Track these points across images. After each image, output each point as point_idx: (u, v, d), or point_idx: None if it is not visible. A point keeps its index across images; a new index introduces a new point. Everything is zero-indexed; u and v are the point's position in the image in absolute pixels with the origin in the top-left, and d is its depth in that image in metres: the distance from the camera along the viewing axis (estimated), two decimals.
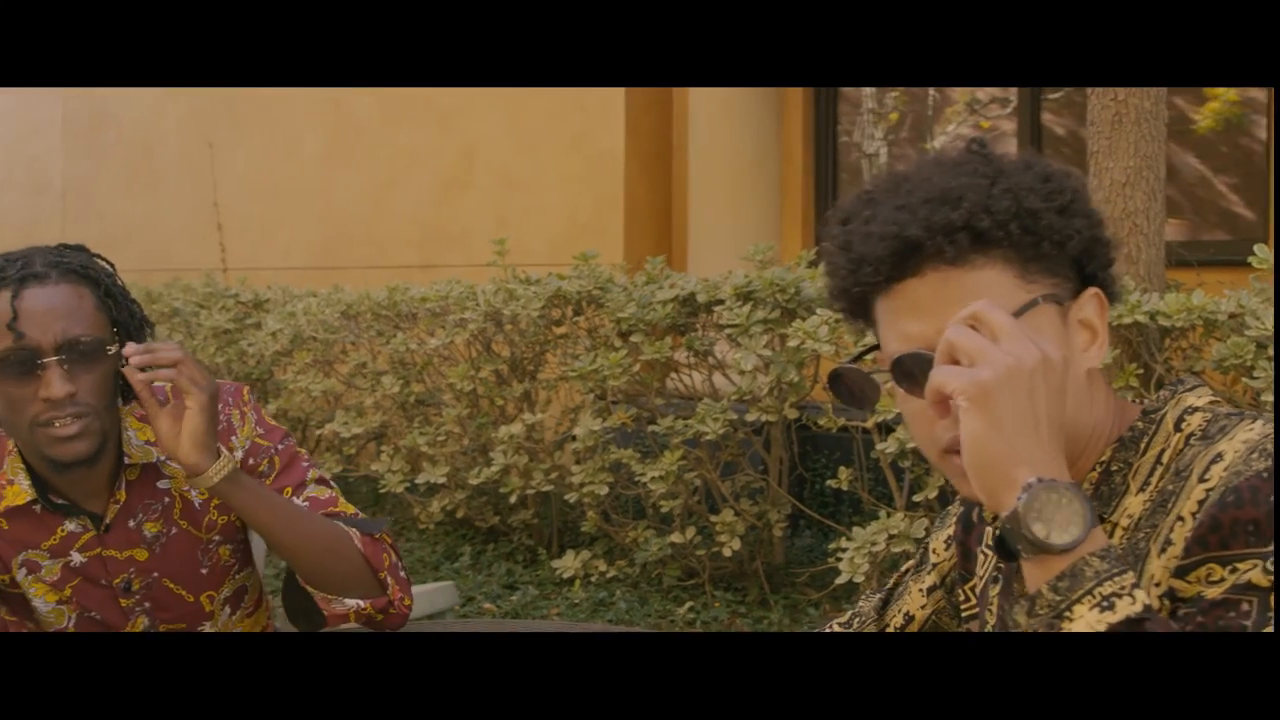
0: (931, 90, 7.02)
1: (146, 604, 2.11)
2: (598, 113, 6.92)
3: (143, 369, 1.82)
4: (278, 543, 1.97)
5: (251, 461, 2.08)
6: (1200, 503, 1.32)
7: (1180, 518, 1.33)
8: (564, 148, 7.04)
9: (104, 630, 2.13)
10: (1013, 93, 6.60)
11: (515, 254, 5.89)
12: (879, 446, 3.89)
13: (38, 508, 2.02)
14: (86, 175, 9.34)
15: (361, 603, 2.01)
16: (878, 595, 1.85)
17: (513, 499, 4.88)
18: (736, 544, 4.36)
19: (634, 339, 4.50)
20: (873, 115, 7.18)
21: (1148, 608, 1.18)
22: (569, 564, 4.68)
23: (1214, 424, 1.38)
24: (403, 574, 2.07)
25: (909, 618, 1.79)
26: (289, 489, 2.07)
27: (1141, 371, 3.59)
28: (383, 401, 5.37)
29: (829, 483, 4.29)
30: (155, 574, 2.09)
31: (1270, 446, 1.27)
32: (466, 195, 7.41)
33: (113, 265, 2.04)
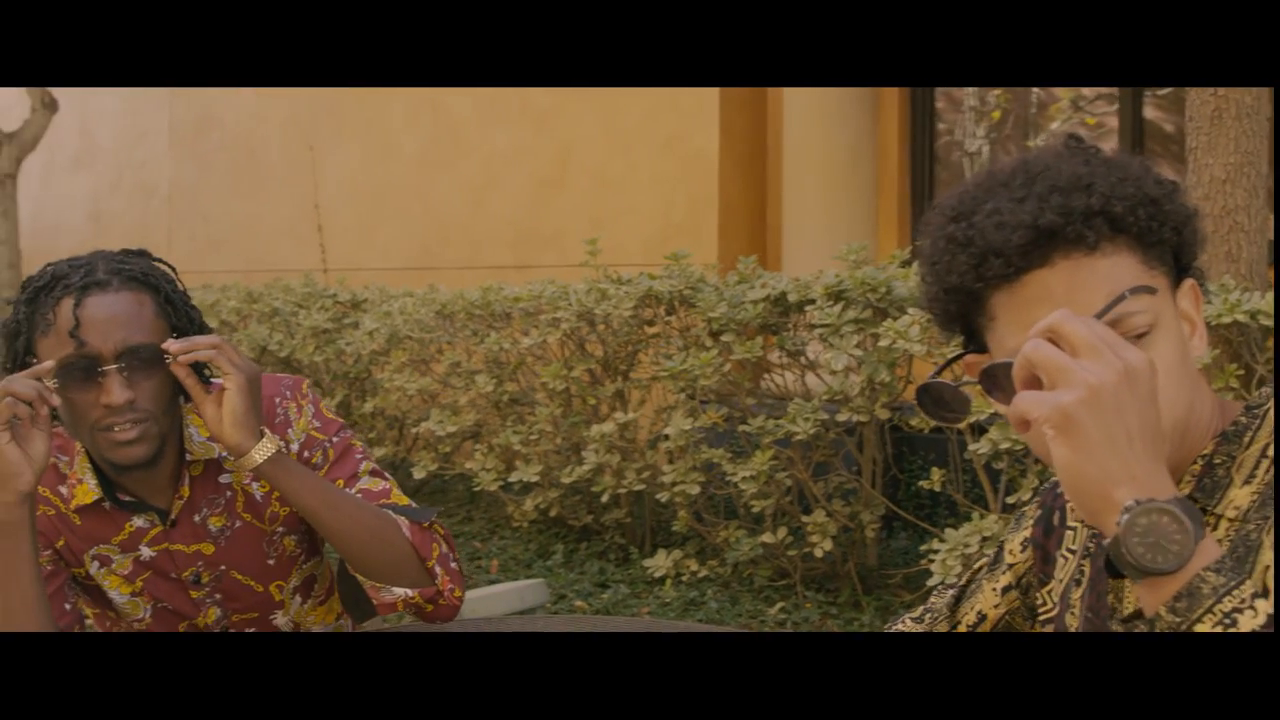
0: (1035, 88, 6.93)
1: (217, 595, 2.16)
2: (692, 113, 6.92)
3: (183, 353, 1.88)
4: (323, 527, 1.99)
5: (306, 454, 2.11)
6: None
7: None
8: (658, 148, 7.06)
9: (178, 619, 2.19)
10: (1116, 89, 6.50)
11: (609, 254, 5.90)
12: (971, 448, 3.85)
13: (106, 505, 2.08)
14: (192, 179, 9.54)
15: (410, 592, 2.03)
16: (950, 592, 1.83)
17: (604, 498, 4.90)
18: (828, 545, 4.34)
19: (725, 338, 4.50)
20: (974, 113, 7.11)
21: (1270, 617, 1.15)
22: (660, 563, 4.68)
23: None
24: (454, 565, 2.08)
25: (982, 616, 1.77)
26: (341, 480, 2.10)
27: (1242, 372, 3.52)
28: (477, 400, 5.42)
29: (921, 484, 4.25)
30: (222, 566, 2.14)
31: None
32: (561, 196, 7.45)
33: (174, 269, 2.09)
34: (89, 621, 2.35)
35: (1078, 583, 1.58)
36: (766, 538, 4.45)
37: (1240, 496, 1.35)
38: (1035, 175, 1.38)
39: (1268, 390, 1.43)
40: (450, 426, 5.32)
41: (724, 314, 4.47)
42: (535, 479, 5.06)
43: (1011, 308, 1.37)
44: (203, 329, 2.03)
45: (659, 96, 7.01)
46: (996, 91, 7.03)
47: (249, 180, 9.11)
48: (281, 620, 2.23)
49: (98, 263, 1.96)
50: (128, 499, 2.09)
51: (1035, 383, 1.22)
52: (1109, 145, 6.41)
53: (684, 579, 4.69)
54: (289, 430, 2.11)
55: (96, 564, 2.12)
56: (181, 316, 2.00)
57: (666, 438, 4.66)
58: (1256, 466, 1.36)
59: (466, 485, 5.81)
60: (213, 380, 1.99)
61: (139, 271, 1.97)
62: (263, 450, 1.92)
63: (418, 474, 5.50)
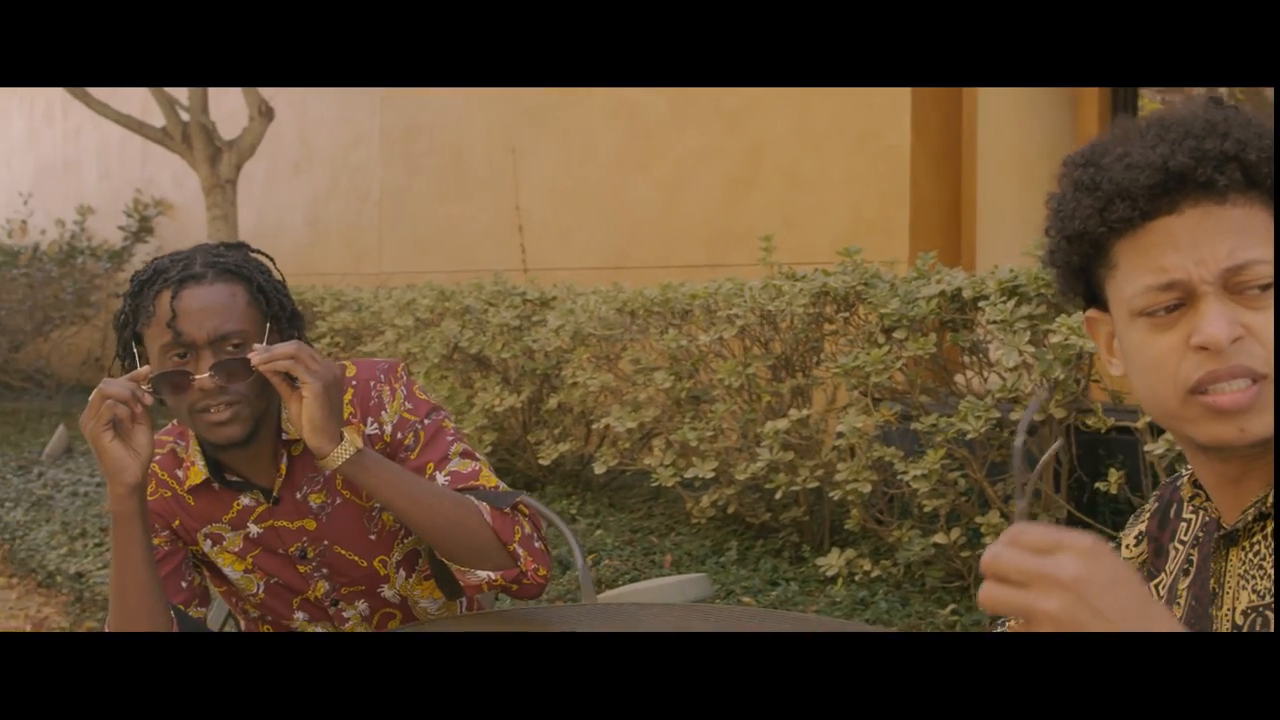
0: None
1: (324, 569, 2.25)
2: (884, 110, 6.84)
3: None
4: (404, 518, 2.08)
5: (399, 435, 2.20)
6: None
7: None
8: (849, 145, 6.99)
9: (290, 593, 2.28)
10: None
11: (800, 252, 5.89)
12: (1147, 448, 3.72)
13: (215, 485, 2.19)
14: (401, 183, 9.84)
15: (493, 575, 2.11)
16: None
17: (778, 495, 4.88)
18: None
19: (897, 335, 4.43)
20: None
21: None
22: (833, 562, 4.64)
23: None
24: (538, 544, 2.14)
25: None
26: (431, 464, 2.18)
27: None
28: (656, 396, 5.46)
29: (1098, 485, 4.12)
30: (326, 541, 2.23)
31: None
32: (753, 195, 7.45)
33: (271, 259, 2.22)
34: (216, 600, 2.48)
35: (1186, 572, 1.55)
36: (939, 538, 4.37)
37: None
38: (1170, 124, 1.36)
39: None
40: (630, 422, 5.38)
41: (896, 310, 4.41)
42: (711, 475, 5.07)
43: (1134, 254, 1.35)
44: (295, 316, 2.14)
45: (850, 94, 6.94)
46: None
47: (454, 183, 9.36)
48: (389, 594, 2.31)
49: (196, 257, 2.10)
50: (233, 479, 2.20)
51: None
52: None
53: (856, 579, 4.63)
54: (383, 412, 2.19)
55: (209, 542, 2.25)
56: (274, 304, 2.12)
57: (841, 435, 4.61)
58: None
59: (649, 481, 5.86)
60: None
61: (233, 264, 2.10)
62: (341, 454, 2.01)
63: (598, 469, 5.57)
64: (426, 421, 2.21)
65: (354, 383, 2.21)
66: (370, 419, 2.19)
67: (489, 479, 2.19)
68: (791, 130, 7.26)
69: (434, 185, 9.53)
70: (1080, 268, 1.45)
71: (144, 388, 1.97)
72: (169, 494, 2.23)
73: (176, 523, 2.24)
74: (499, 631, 2.08)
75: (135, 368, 2.11)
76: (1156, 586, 1.65)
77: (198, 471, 2.21)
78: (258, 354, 1.97)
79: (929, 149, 6.86)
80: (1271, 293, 1.30)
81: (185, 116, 8.71)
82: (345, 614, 2.31)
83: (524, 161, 8.76)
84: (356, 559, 2.26)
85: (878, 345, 4.47)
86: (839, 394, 5.11)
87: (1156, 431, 3.81)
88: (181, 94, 8.91)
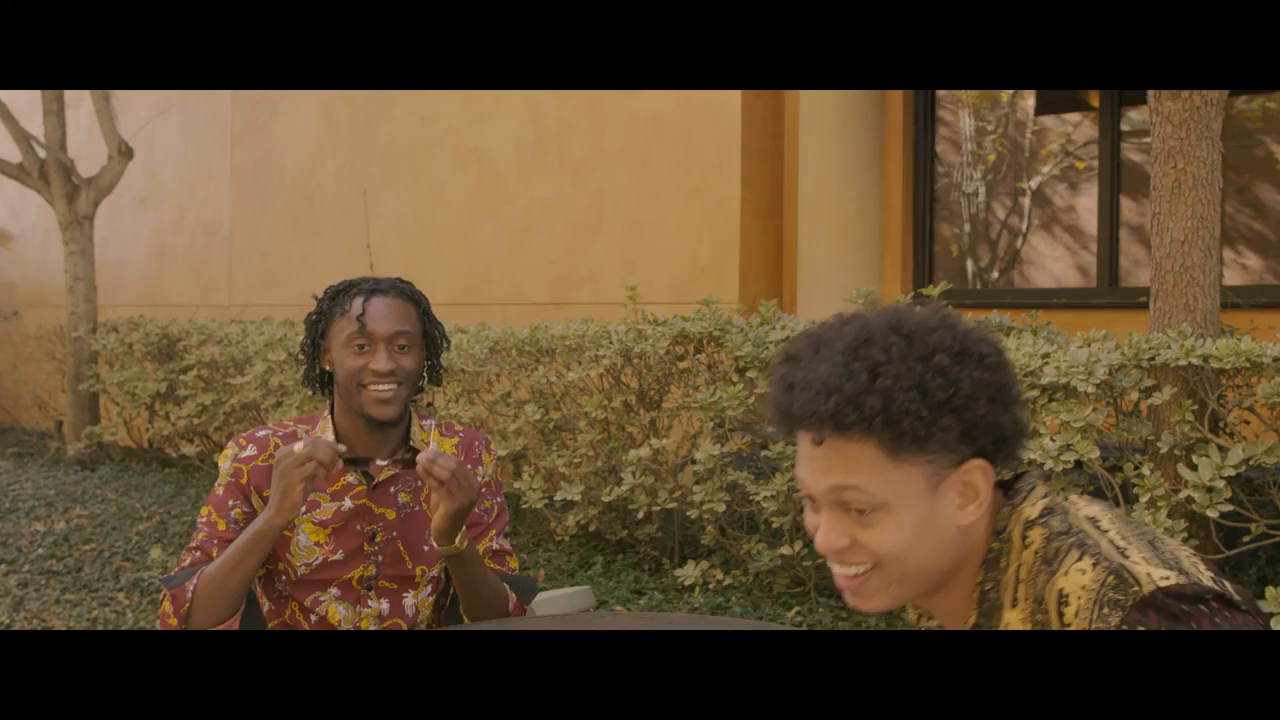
0: (1028, 132, 7.56)
1: (380, 556, 2.75)
2: (716, 166, 7.56)
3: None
4: (464, 594, 2.70)
5: (485, 492, 2.82)
6: None
7: None
8: (685, 198, 7.69)
9: (340, 569, 2.74)
10: (1096, 132, 7.11)
11: (641, 293, 6.49)
12: None
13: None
14: (251, 219, 10.16)
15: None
16: None
17: (640, 515, 5.51)
18: None
19: (749, 374, 5.12)
20: (971, 156, 7.74)
21: None
22: (690, 573, 5.28)
23: (1050, 547, 1.53)
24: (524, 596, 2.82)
25: None
26: (494, 531, 2.82)
27: (1196, 408, 4.09)
28: (524, 427, 6.04)
29: None
30: (394, 534, 2.76)
31: (1112, 594, 1.43)
32: (596, 241, 8.08)
33: (426, 299, 2.83)
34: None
35: None
36: (785, 550, 5.05)
37: (1014, 619, 1.55)
38: (819, 364, 1.53)
39: (1005, 510, 1.60)
40: (500, 451, 5.94)
41: (749, 352, 5.10)
42: (577, 498, 5.67)
43: (799, 447, 1.61)
44: (442, 336, 2.79)
45: (686, 150, 7.65)
46: (992, 134, 7.67)
47: (305, 221, 9.72)
48: (408, 603, 2.80)
49: (383, 280, 2.73)
50: (348, 456, 2.70)
51: None
52: (1091, 190, 7.03)
53: (710, 587, 5.29)
54: (480, 468, 2.82)
55: (303, 508, 2.68)
56: (432, 324, 2.77)
57: (695, 461, 5.27)
58: (1016, 590, 1.55)
59: (513, 502, 6.42)
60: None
61: (407, 290, 2.75)
62: (450, 550, 2.60)
63: None
64: (500, 499, 2.86)
65: (461, 433, 2.84)
66: (470, 467, 2.78)
67: (513, 559, 2.85)
68: (632, 183, 7.92)
69: (285, 222, 9.89)
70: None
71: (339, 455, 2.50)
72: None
73: (267, 491, 2.68)
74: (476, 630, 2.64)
75: (316, 357, 2.73)
76: None
77: None
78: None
79: (755, 202, 7.61)
80: (877, 514, 1.53)
81: (42, 154, 8.91)
82: (369, 603, 2.75)
83: (375, 202, 9.21)
84: (407, 559, 2.75)
85: (732, 383, 5.15)
86: (684, 423, 5.77)
87: None
88: (39, 131, 9.11)
